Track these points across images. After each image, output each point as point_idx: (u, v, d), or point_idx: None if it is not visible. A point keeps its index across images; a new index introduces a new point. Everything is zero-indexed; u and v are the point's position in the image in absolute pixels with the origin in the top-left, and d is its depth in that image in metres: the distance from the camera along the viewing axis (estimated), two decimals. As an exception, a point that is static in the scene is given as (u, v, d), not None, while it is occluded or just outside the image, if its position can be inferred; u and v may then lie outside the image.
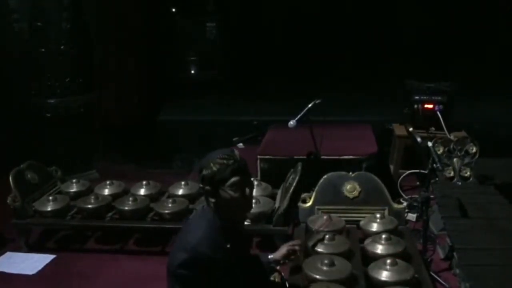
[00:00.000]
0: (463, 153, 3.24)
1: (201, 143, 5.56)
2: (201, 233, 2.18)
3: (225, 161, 2.16)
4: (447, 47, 8.04)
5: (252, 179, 2.33)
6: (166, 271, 2.23)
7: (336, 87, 7.28)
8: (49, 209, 3.97)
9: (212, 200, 2.21)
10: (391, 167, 5.16)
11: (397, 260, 2.61)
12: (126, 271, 3.73)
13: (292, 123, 3.84)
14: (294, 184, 3.65)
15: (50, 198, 4.03)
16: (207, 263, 2.13)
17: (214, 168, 2.15)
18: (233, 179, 2.16)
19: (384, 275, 2.56)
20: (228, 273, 2.22)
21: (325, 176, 3.43)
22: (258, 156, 4.55)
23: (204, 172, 2.18)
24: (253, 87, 7.87)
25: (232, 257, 2.25)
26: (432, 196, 3.26)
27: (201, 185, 2.25)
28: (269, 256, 2.56)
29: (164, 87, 7.59)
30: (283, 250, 2.56)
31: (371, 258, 2.78)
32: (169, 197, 4.09)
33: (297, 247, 2.57)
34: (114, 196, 4.12)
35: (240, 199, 2.19)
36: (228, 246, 2.22)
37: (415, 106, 4.76)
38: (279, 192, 3.97)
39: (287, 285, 2.67)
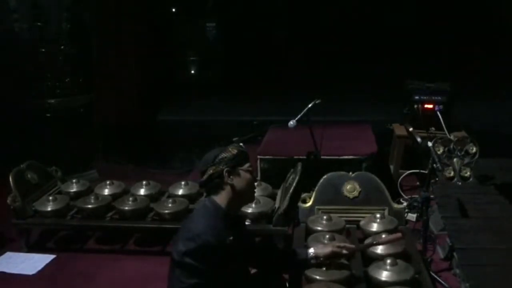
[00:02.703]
0: (463, 153, 3.24)
1: (201, 143, 5.56)
2: (205, 222, 2.24)
3: (240, 148, 2.38)
4: (448, 47, 8.05)
5: None
6: (169, 262, 2.26)
7: (336, 87, 7.28)
8: (49, 209, 3.97)
9: (231, 181, 2.29)
10: (391, 167, 5.16)
11: (397, 260, 2.61)
12: (126, 271, 3.73)
13: (292, 123, 3.84)
14: (294, 184, 3.65)
15: (50, 198, 4.03)
16: (211, 252, 2.17)
17: (233, 152, 2.33)
18: (249, 163, 2.38)
19: (384, 275, 2.55)
20: (228, 265, 2.25)
21: (325, 176, 3.42)
22: (258, 156, 4.55)
23: (224, 155, 2.30)
24: (253, 87, 7.88)
25: (233, 251, 2.27)
26: (432, 196, 3.25)
27: (211, 171, 2.28)
28: (310, 251, 2.55)
29: (164, 87, 7.59)
30: (327, 249, 2.54)
31: (371, 258, 2.78)
32: (169, 197, 4.10)
33: (344, 251, 2.55)
34: (114, 196, 4.12)
35: (254, 182, 2.42)
36: (231, 238, 2.27)
37: (415, 106, 4.76)
38: (279, 192, 3.97)
39: (287, 285, 2.68)
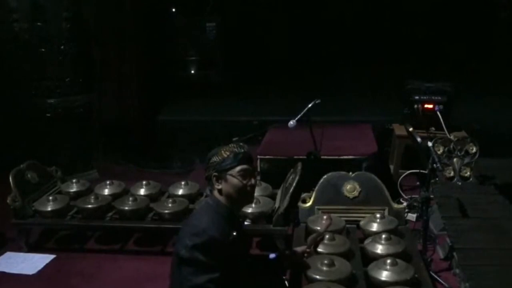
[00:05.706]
0: (463, 153, 3.24)
1: (201, 143, 5.55)
2: (208, 219, 2.24)
3: (235, 150, 2.30)
4: (448, 47, 8.05)
5: (256, 172, 2.47)
6: (172, 261, 2.26)
7: (336, 87, 7.27)
8: (49, 209, 3.97)
9: (218, 186, 2.29)
10: (391, 167, 5.16)
11: (397, 260, 2.61)
12: (126, 271, 3.73)
13: (292, 123, 3.84)
14: (294, 184, 3.65)
15: (50, 198, 4.03)
16: (217, 246, 2.17)
17: (224, 155, 2.28)
18: (241, 166, 2.28)
19: (384, 275, 2.56)
20: (234, 262, 2.25)
21: (325, 176, 3.43)
22: (258, 156, 4.55)
23: (214, 158, 2.29)
24: (253, 87, 7.87)
25: (235, 247, 2.27)
26: (432, 196, 3.26)
27: (206, 174, 2.32)
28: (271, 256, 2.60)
29: (164, 87, 7.58)
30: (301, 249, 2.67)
31: (371, 258, 2.78)
32: (169, 197, 4.09)
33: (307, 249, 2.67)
34: (114, 196, 4.12)
35: (245, 187, 2.30)
36: (234, 234, 2.27)
37: (415, 106, 4.76)
38: (279, 192, 3.97)
39: (287, 285, 2.68)
